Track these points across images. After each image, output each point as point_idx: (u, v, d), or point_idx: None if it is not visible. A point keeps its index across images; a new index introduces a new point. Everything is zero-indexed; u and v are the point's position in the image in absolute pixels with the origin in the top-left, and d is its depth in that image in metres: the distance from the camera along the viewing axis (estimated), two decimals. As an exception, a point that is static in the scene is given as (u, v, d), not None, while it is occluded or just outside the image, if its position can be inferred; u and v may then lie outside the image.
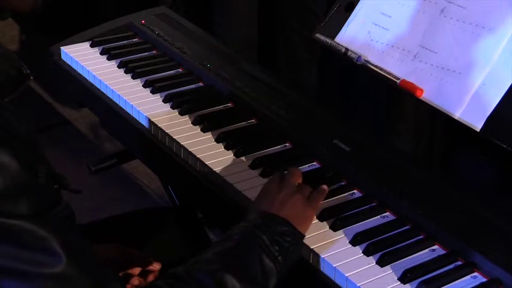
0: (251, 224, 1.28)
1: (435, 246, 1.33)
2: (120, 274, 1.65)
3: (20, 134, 1.12)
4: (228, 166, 1.53)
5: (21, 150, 1.08)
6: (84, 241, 1.12)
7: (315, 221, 1.38)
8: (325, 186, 1.41)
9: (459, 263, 1.29)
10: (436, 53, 1.54)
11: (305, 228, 1.32)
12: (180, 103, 1.73)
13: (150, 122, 1.68)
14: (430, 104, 1.52)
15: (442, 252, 1.32)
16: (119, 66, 1.91)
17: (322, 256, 1.30)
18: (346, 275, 1.26)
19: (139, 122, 1.72)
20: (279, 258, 1.24)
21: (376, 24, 1.65)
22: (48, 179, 1.12)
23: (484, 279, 1.26)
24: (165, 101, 1.75)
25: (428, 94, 1.52)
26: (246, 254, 1.23)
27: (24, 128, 1.14)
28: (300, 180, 1.41)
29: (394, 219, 1.39)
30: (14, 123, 1.12)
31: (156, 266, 1.67)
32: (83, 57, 1.93)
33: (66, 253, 1.05)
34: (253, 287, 1.22)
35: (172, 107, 1.73)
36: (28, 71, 1.21)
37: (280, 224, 1.28)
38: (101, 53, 1.96)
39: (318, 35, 1.73)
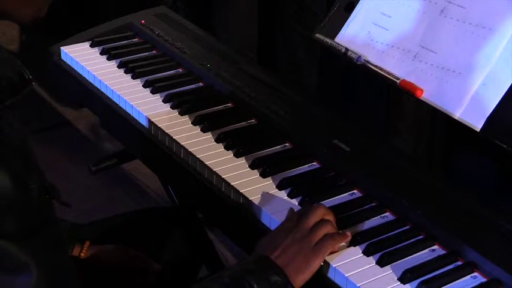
0: (245, 269, 1.24)
1: (435, 246, 1.33)
2: (120, 275, 1.66)
3: (14, 143, 1.11)
4: (228, 166, 1.53)
5: (14, 162, 1.07)
6: (67, 263, 1.12)
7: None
8: (348, 233, 1.32)
9: (459, 263, 1.29)
10: (436, 53, 1.54)
11: (302, 279, 1.26)
12: (180, 103, 1.73)
13: (150, 122, 1.68)
14: (430, 104, 1.51)
15: (442, 252, 1.32)
16: (119, 66, 1.91)
17: (322, 256, 1.30)
18: (346, 275, 1.26)
19: (139, 122, 1.72)
20: None
21: (376, 24, 1.65)
22: (39, 190, 1.12)
23: (484, 279, 1.26)
24: (165, 101, 1.75)
25: (428, 94, 1.52)
26: None
27: (18, 136, 1.14)
28: (323, 216, 1.33)
29: (394, 219, 1.39)
30: (9, 132, 1.11)
31: (155, 267, 1.68)
32: (83, 57, 1.93)
33: (45, 279, 1.05)
34: None
35: (172, 107, 1.73)
36: (30, 76, 1.20)
37: (274, 273, 1.23)
38: (101, 53, 1.96)
39: (318, 35, 1.73)
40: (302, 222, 1.31)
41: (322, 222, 1.31)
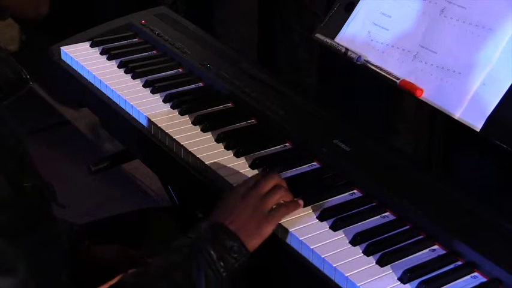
0: (201, 237, 1.28)
1: (435, 246, 1.33)
2: (120, 275, 1.65)
3: (9, 142, 1.11)
4: (228, 166, 1.53)
5: (8, 161, 1.07)
6: (61, 263, 1.12)
7: (315, 221, 1.38)
8: (300, 201, 1.38)
9: (459, 263, 1.29)
10: (436, 53, 1.54)
11: (254, 243, 1.30)
12: (180, 103, 1.73)
13: (150, 122, 1.68)
14: (430, 104, 1.52)
15: (442, 252, 1.32)
16: (119, 66, 1.91)
17: (322, 256, 1.30)
18: (346, 275, 1.26)
19: (140, 122, 1.72)
20: (224, 274, 1.26)
21: (376, 24, 1.65)
22: (34, 189, 1.11)
23: (484, 279, 1.26)
24: (165, 101, 1.75)
25: (428, 94, 1.52)
26: (192, 269, 1.25)
27: (13, 135, 1.13)
28: (276, 183, 1.37)
29: (394, 219, 1.39)
30: (4, 131, 1.11)
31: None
32: (83, 57, 1.93)
33: (34, 278, 1.05)
34: None
35: (172, 107, 1.73)
36: (27, 76, 1.20)
37: (229, 239, 1.28)
38: (101, 53, 1.96)
39: (318, 35, 1.73)
40: (256, 188, 1.35)
41: (276, 188, 1.36)
